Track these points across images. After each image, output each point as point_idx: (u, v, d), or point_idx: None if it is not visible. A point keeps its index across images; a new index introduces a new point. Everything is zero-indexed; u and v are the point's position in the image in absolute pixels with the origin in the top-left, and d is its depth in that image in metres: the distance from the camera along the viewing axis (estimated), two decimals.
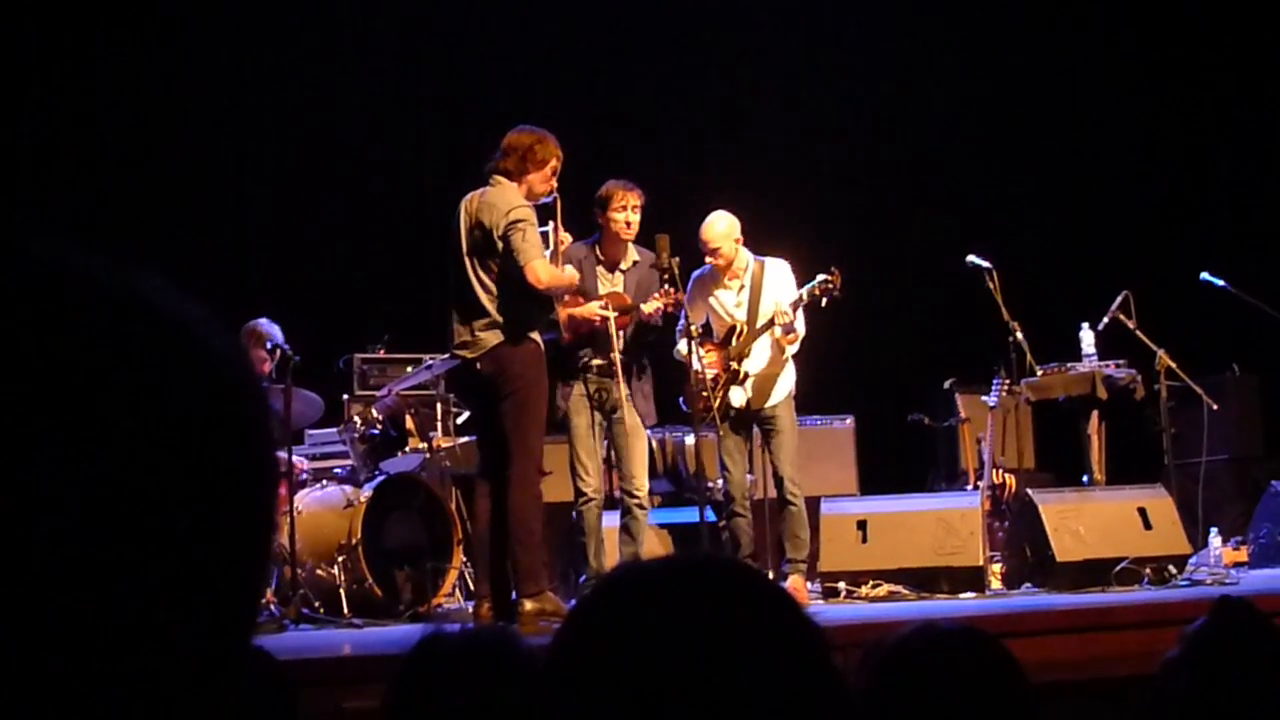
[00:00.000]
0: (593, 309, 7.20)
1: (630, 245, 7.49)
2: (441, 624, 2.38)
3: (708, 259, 7.79)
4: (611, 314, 7.18)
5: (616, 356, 7.19)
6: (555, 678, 1.12)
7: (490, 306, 6.70)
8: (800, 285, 7.76)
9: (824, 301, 7.69)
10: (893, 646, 2.20)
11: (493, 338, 6.69)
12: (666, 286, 7.24)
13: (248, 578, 0.81)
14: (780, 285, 7.77)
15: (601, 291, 7.40)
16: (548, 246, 6.87)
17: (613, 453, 7.62)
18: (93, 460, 0.73)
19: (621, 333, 7.26)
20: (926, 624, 2.23)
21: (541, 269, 6.61)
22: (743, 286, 7.81)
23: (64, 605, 0.72)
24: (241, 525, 0.79)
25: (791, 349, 7.78)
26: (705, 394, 7.36)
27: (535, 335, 6.75)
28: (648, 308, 7.28)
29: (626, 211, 7.37)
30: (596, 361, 7.34)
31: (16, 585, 0.71)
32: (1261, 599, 6.13)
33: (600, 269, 7.49)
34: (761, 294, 7.76)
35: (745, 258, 7.82)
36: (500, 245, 6.64)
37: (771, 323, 7.64)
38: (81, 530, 0.73)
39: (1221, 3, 11.85)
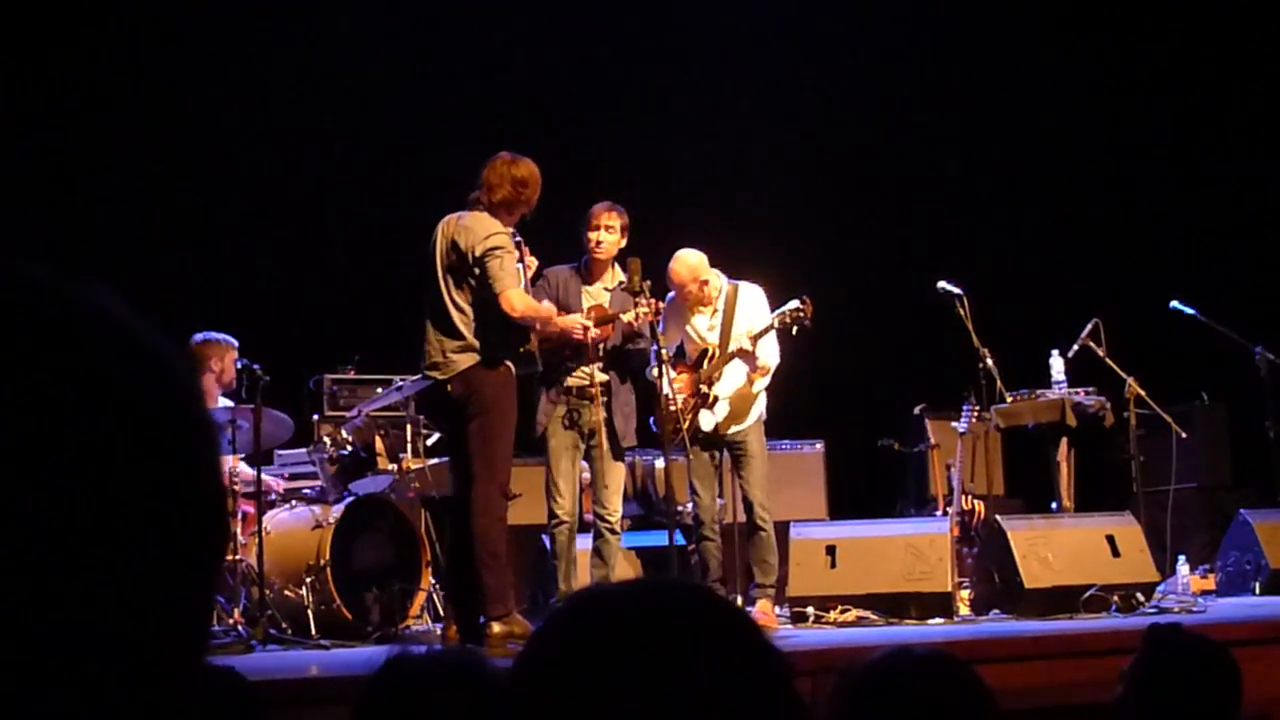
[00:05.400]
0: (574, 320, 7.20)
1: (615, 267, 7.52)
2: (407, 645, 2.36)
3: (674, 295, 7.80)
4: (592, 324, 7.19)
5: (595, 371, 7.22)
6: (518, 699, 1.11)
7: (464, 329, 6.69)
8: (774, 311, 7.77)
9: (794, 330, 7.69)
10: (865, 671, 2.19)
11: (465, 360, 6.68)
12: (643, 310, 7.24)
13: (196, 596, 0.79)
14: (753, 311, 7.77)
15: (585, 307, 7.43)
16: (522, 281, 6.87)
17: (588, 476, 7.61)
18: (33, 476, 0.71)
19: (602, 345, 7.28)
20: (900, 650, 2.23)
21: (516, 298, 6.60)
22: (716, 311, 7.81)
23: (8, 623, 0.71)
24: (189, 542, 0.78)
25: (761, 382, 7.77)
26: (675, 413, 7.35)
27: (508, 360, 6.73)
28: (628, 316, 7.28)
29: (600, 231, 7.41)
30: (576, 382, 7.34)
31: None
32: (1228, 627, 6.18)
33: (585, 287, 7.51)
34: (734, 319, 7.76)
35: (719, 283, 7.82)
36: (476, 270, 6.63)
37: (740, 349, 7.66)
38: (24, 548, 0.71)
39: (1190, 32, 11.93)
